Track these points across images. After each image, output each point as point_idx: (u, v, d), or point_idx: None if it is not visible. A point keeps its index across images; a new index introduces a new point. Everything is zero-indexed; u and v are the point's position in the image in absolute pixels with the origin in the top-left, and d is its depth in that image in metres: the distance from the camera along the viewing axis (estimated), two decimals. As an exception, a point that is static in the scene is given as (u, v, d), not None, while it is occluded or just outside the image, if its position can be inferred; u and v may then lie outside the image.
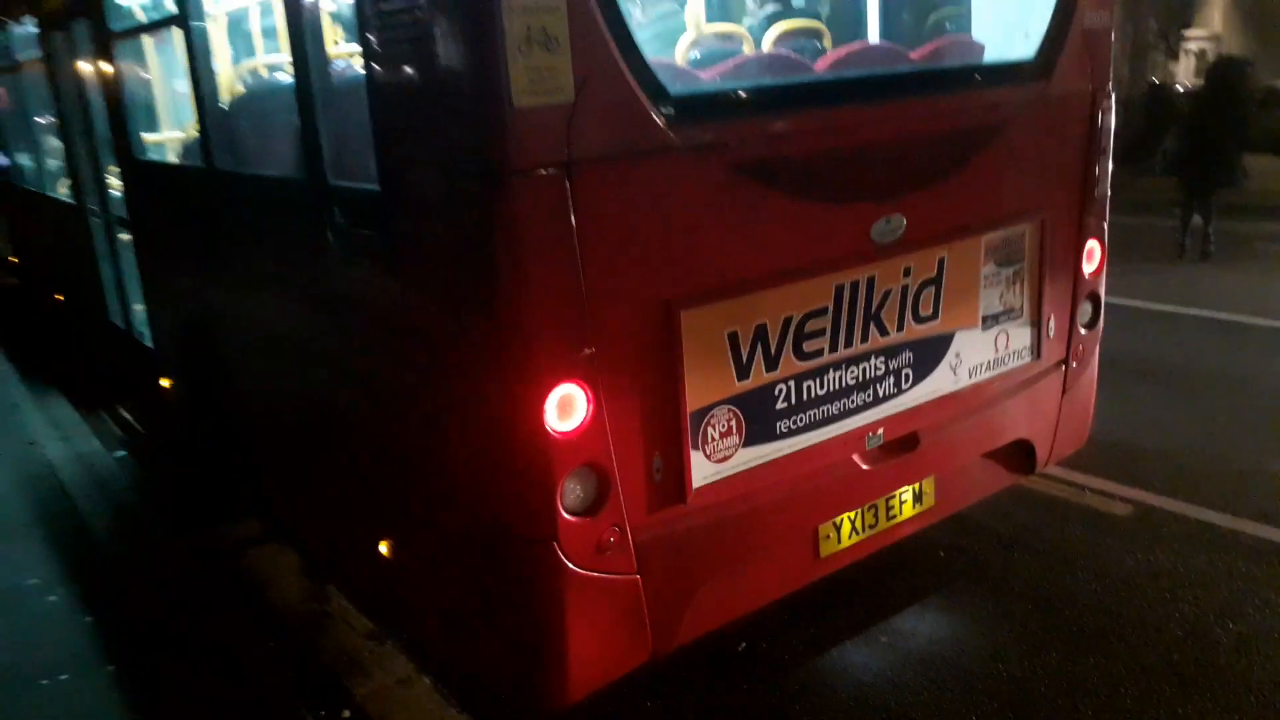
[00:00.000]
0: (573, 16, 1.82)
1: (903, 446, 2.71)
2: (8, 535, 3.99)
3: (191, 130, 3.47)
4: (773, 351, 2.36)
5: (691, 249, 2.14)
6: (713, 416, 2.28)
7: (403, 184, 2.07)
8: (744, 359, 2.31)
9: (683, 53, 2.74)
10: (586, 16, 1.84)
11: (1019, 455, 3.06)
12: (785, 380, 2.39)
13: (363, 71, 2.05)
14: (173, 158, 3.95)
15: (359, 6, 2.01)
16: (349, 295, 2.42)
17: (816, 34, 3.01)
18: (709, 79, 2.44)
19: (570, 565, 2.07)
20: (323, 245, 2.44)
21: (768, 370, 2.36)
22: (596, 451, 2.06)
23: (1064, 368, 3.04)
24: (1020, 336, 2.89)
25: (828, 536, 2.62)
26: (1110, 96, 2.94)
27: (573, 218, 1.89)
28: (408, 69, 1.94)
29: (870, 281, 2.46)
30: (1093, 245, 3.02)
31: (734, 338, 2.28)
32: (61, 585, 3.55)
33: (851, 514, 2.66)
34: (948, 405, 2.75)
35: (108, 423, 5.36)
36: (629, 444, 2.13)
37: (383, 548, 2.58)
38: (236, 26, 3.42)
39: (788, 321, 2.36)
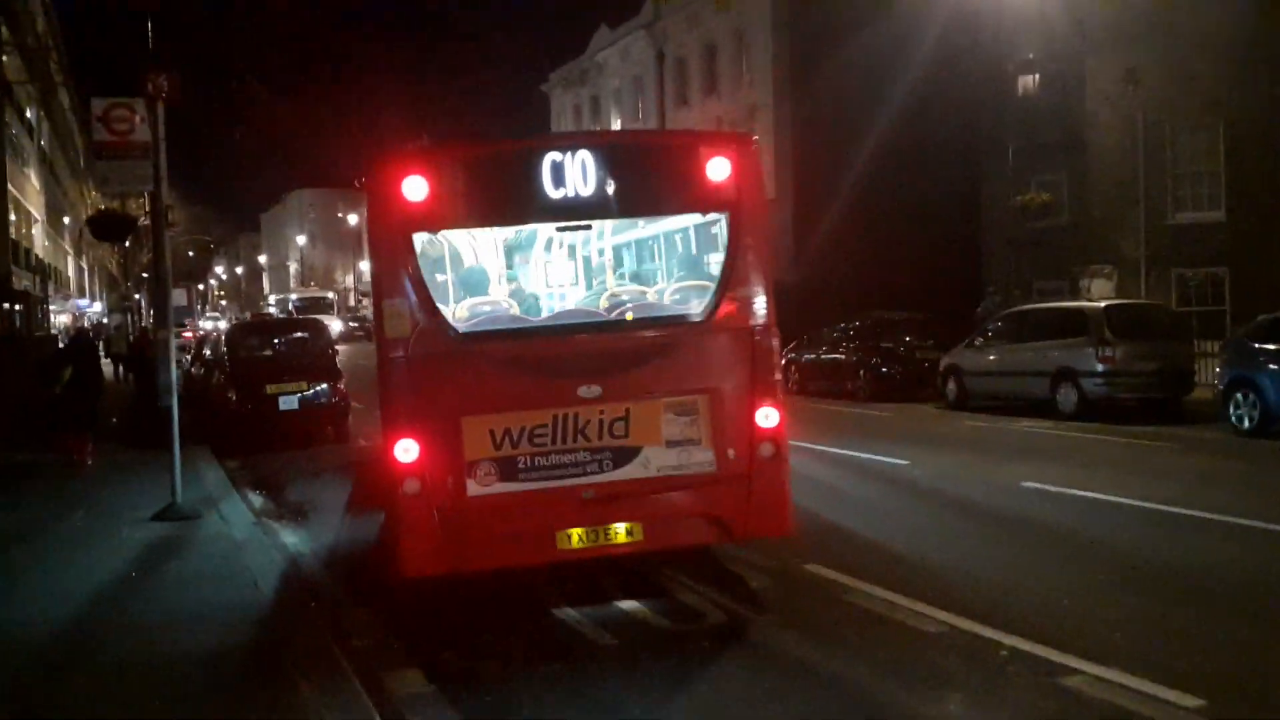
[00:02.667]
0: (410, 308, 7.49)
1: (611, 500, 7.41)
2: None
3: None
4: (514, 440, 7.42)
5: (470, 392, 7.39)
6: (479, 464, 7.44)
7: (388, 363, 7.59)
8: (497, 442, 7.42)
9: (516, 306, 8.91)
10: (413, 307, 7.47)
11: (716, 525, 7.72)
12: (523, 455, 7.40)
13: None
14: None
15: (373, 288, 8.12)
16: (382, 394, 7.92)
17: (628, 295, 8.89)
18: (498, 322, 8.18)
19: (407, 518, 7.35)
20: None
21: (512, 448, 7.44)
22: (421, 471, 7.30)
23: (749, 480, 7.56)
24: (701, 455, 7.61)
25: (562, 539, 7.42)
26: (767, 329, 7.83)
27: (409, 376, 7.45)
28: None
29: (575, 415, 7.43)
30: (768, 410, 7.66)
31: (492, 432, 7.44)
32: None
33: (580, 530, 7.42)
34: (643, 484, 7.47)
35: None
36: (437, 470, 7.31)
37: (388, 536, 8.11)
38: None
39: (523, 428, 7.43)
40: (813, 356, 26.01)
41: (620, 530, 7.68)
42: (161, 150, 12.38)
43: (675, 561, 9.04)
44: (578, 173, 7.77)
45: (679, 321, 8.18)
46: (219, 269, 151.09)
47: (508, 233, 9.75)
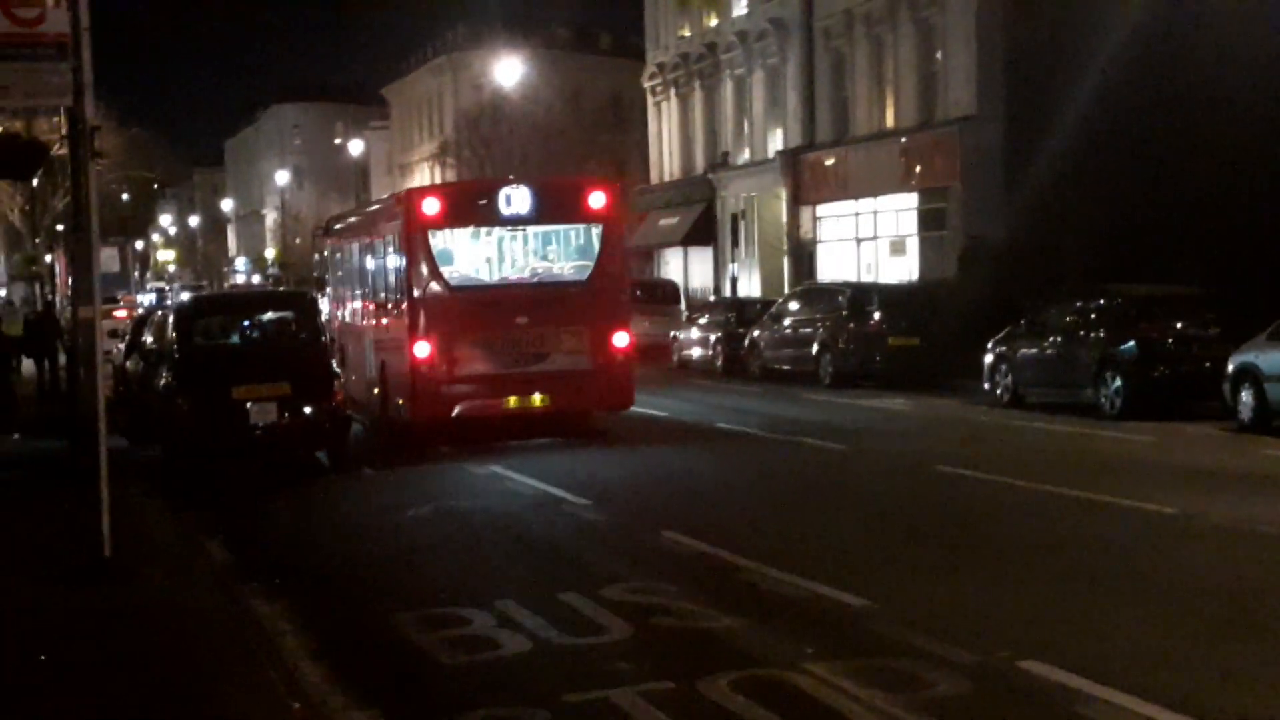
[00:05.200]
0: (427, 272, 22.84)
1: (532, 381, 22.54)
2: None
3: None
4: (481, 346, 22.79)
5: (457, 318, 22.83)
6: (462, 359, 22.72)
7: (413, 301, 23.02)
8: (471, 346, 22.83)
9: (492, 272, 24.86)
10: (429, 272, 22.80)
11: (588, 398, 23.37)
12: (486, 354, 22.70)
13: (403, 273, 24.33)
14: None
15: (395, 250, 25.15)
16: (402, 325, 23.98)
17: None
18: (464, 280, 23.80)
19: (418, 386, 22.49)
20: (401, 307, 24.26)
21: (480, 350, 22.77)
22: (430, 360, 22.36)
23: (608, 373, 23.11)
24: (582, 359, 22.94)
25: (505, 402, 22.71)
26: (621, 290, 24.12)
27: (425, 308, 22.73)
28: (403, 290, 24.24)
29: (513, 334, 22.60)
30: (620, 334, 23.28)
31: (470, 341, 22.77)
32: None
33: (515, 397, 22.58)
34: (550, 374, 22.62)
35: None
36: (440, 360, 22.51)
37: (400, 400, 23.56)
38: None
39: (486, 339, 22.73)
40: (1033, 351, 25.63)
41: (537, 398, 21.95)
42: (85, 46, 12.53)
43: (816, 642, 9.04)
44: (520, 199, 22.24)
45: (572, 284, 22.66)
46: (166, 220, 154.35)
47: (480, 231, 23.16)
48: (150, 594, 11.55)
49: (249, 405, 18.90)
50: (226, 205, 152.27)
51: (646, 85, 63.21)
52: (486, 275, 23.16)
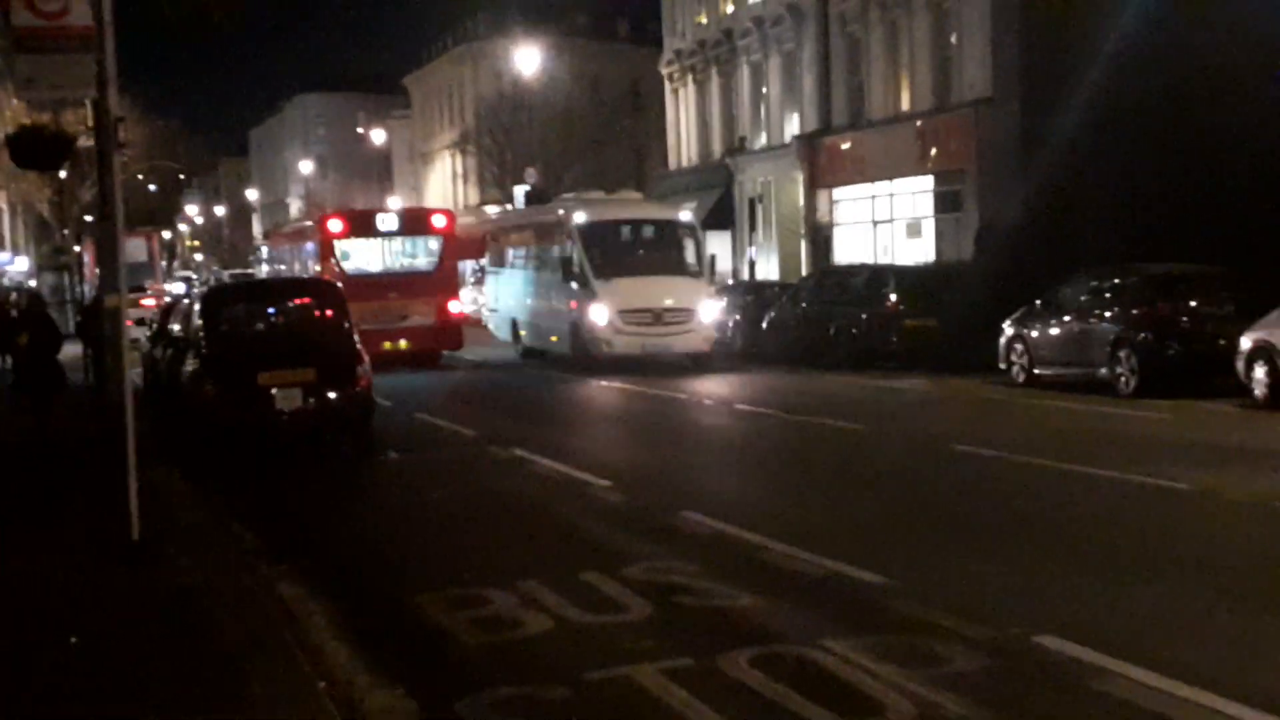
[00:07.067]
0: (334, 266, 37.96)
1: (400, 333, 37.46)
2: None
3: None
4: (368, 313, 31.48)
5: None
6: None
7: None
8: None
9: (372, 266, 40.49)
10: (335, 266, 37.97)
11: (433, 343, 38.67)
12: (372, 318, 32.51)
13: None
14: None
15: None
16: None
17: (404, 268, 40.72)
18: (357, 270, 39.55)
19: None
20: None
21: (367, 315, 30.71)
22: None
23: (446, 326, 39.06)
24: (430, 319, 38.70)
25: (383, 345, 34.08)
26: (454, 274, 41.40)
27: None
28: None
29: (389, 304, 37.11)
30: (453, 302, 39.99)
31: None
32: None
33: (389, 342, 35.85)
34: (411, 328, 37.74)
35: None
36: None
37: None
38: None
39: (372, 308, 33.77)
40: (1048, 330, 25.58)
41: (402, 343, 36.03)
42: (109, 38, 12.54)
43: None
44: (392, 219, 39.76)
45: (424, 272, 38.32)
46: (192, 209, 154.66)
47: (367, 239, 38.37)
48: (178, 575, 11.57)
49: (274, 391, 18.92)
50: (252, 194, 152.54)
51: (664, 72, 63.19)
52: (370, 267, 37.49)
